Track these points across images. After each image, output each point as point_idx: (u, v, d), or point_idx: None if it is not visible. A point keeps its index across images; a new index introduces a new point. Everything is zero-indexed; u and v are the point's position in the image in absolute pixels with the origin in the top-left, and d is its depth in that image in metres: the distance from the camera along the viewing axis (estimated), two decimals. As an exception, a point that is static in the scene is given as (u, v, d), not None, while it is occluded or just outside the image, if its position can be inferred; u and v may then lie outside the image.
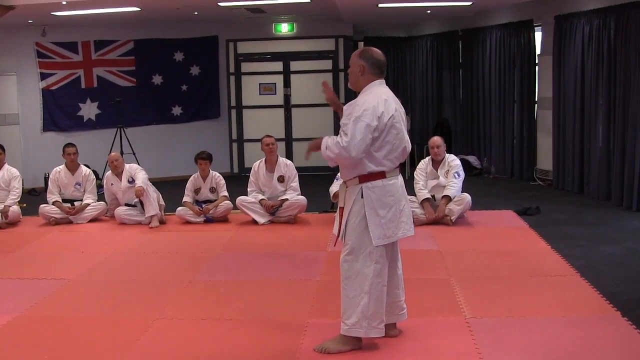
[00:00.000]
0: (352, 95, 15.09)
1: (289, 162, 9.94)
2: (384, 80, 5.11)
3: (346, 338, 5.01)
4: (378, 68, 5.05)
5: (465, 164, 11.99)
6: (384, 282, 5.00)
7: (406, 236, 5.11)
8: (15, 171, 10.27)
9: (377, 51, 5.11)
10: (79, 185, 10.24)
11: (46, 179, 12.02)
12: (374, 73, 5.04)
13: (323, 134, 5.52)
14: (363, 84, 5.06)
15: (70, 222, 10.03)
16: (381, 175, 4.94)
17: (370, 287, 4.90)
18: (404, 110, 5.18)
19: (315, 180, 12.26)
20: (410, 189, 9.62)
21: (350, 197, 4.99)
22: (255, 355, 5.09)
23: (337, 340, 5.06)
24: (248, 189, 9.85)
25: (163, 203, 10.14)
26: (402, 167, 5.23)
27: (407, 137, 5.12)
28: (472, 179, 12.58)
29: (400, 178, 5.10)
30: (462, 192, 9.36)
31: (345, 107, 4.97)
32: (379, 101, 4.87)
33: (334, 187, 9.36)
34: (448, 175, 9.40)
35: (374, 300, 4.92)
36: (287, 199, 9.63)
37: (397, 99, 5.13)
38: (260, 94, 14.77)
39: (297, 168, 10.00)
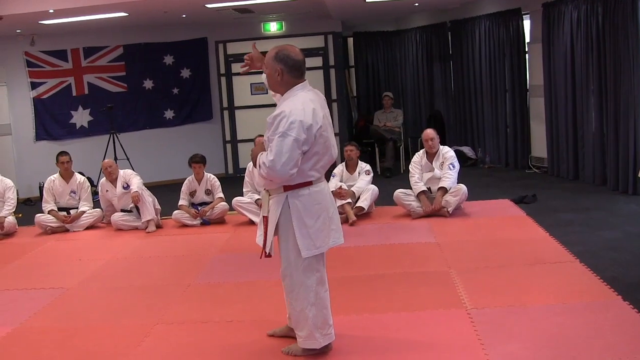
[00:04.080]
0: (343, 91, 14.98)
1: (283, 160, 9.88)
2: (306, 82, 4.80)
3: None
4: (297, 70, 4.72)
5: (460, 155, 11.99)
6: (326, 286, 4.91)
7: (337, 245, 4.92)
8: (9, 182, 10.23)
9: (294, 50, 4.76)
10: (74, 193, 10.21)
11: (41, 189, 11.99)
12: (294, 76, 4.72)
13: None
14: (284, 89, 4.76)
15: (67, 231, 10.01)
16: (307, 183, 4.72)
17: (316, 297, 4.81)
18: (328, 113, 4.91)
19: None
20: (406, 183, 9.65)
21: (276, 208, 4.75)
22: (256, 357, 5.08)
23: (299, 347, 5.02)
24: (244, 190, 9.84)
25: (159, 207, 10.11)
26: (327, 175, 4.97)
27: (333, 143, 4.87)
28: (467, 170, 12.57)
29: (326, 184, 4.92)
30: (457, 183, 9.35)
31: (269, 119, 4.66)
32: (306, 111, 4.57)
33: (331, 185, 9.35)
34: (443, 167, 9.38)
35: (321, 309, 4.84)
36: (283, 198, 9.58)
37: (323, 101, 4.88)
38: (252, 94, 14.71)
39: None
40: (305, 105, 4.61)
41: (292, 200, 4.70)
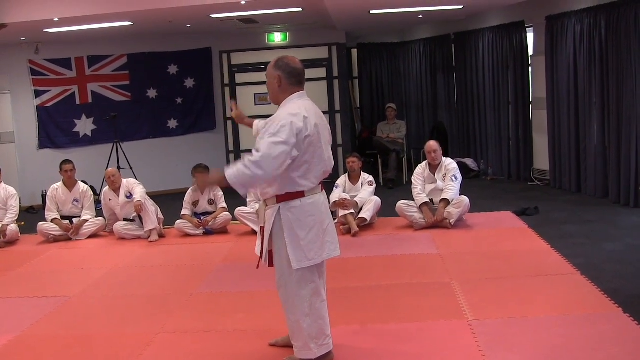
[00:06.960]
0: (346, 102, 14.98)
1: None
2: (304, 92, 4.83)
3: None
4: (295, 78, 4.77)
5: (462, 167, 11.99)
6: (322, 297, 4.89)
7: (331, 257, 4.88)
8: (12, 190, 10.25)
9: (293, 59, 4.84)
10: (77, 201, 10.23)
11: (44, 197, 12.01)
12: (292, 84, 4.76)
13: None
14: (282, 97, 4.78)
15: (69, 239, 10.01)
16: (299, 194, 4.69)
17: (310, 308, 4.79)
18: (327, 125, 4.95)
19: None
20: (409, 194, 9.66)
21: (270, 219, 4.75)
22: (258, 366, 5.09)
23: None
24: (247, 200, 9.84)
25: (162, 216, 10.13)
26: (324, 186, 4.92)
27: (329, 154, 4.84)
28: (470, 182, 12.57)
29: (322, 195, 4.87)
30: (460, 195, 9.36)
31: (262, 123, 4.65)
32: (298, 116, 4.57)
33: (334, 196, 9.37)
34: (445, 179, 9.39)
35: (316, 319, 4.82)
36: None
37: (319, 112, 4.87)
38: (255, 104, 14.72)
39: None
40: (299, 111, 4.63)
41: (284, 212, 4.70)
